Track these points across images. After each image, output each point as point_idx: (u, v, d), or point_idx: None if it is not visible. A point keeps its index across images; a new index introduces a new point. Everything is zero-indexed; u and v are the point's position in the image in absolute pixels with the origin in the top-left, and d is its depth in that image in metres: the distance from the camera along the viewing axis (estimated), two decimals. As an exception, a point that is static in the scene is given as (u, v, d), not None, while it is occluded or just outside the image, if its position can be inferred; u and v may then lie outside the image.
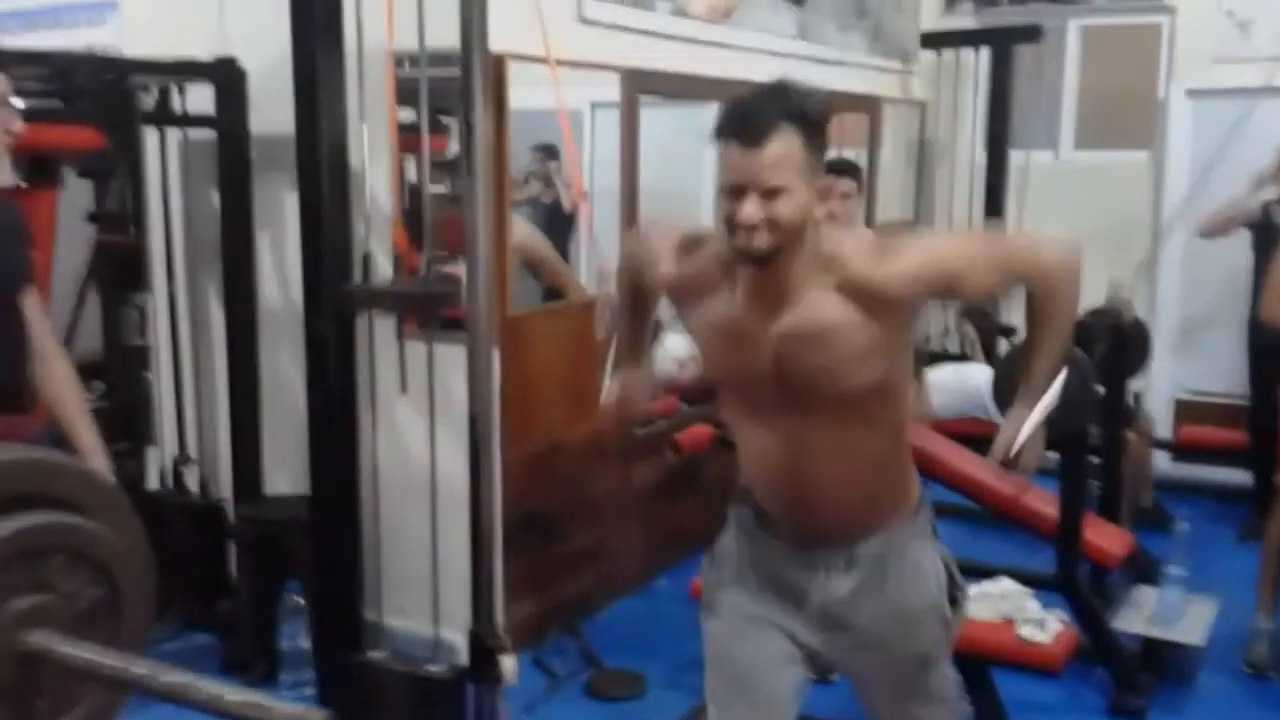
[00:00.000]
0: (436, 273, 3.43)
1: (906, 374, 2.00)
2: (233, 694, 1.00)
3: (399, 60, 3.49)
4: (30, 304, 2.51)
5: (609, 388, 2.32)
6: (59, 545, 1.06)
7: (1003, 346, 5.67)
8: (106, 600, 1.09)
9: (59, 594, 1.06)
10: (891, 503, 2.05)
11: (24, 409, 2.45)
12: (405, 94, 3.50)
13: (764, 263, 1.83)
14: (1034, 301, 2.00)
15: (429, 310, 3.41)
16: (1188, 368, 5.73)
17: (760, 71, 4.82)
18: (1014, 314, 5.91)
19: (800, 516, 2.03)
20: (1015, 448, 2.07)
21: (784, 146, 1.77)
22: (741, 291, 1.91)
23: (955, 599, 2.09)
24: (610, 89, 4.29)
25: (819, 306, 1.85)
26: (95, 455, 2.57)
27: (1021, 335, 5.23)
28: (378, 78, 3.50)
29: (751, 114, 1.79)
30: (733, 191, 1.80)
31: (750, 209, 1.78)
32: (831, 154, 4.81)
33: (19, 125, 2.35)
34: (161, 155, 3.98)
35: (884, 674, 2.13)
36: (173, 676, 0.99)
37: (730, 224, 1.81)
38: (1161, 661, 3.62)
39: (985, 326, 5.77)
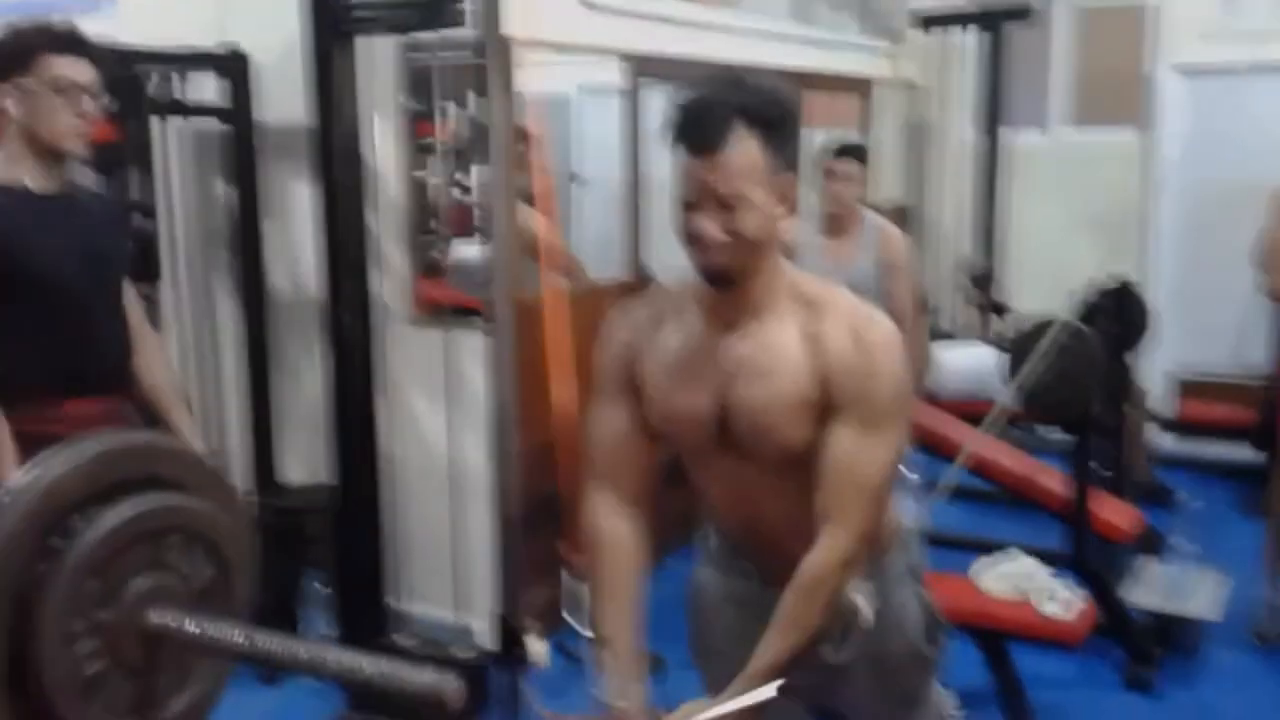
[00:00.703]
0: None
1: None
2: (370, 664, 1.01)
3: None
4: (129, 293, 2.60)
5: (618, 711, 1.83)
6: (175, 525, 1.08)
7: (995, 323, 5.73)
8: (218, 578, 1.11)
9: (176, 573, 1.07)
10: None
11: (125, 390, 2.54)
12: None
13: (726, 282, 1.68)
14: (792, 585, 1.72)
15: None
16: (1188, 346, 5.78)
17: (757, 53, 4.83)
18: (1015, 294, 5.96)
19: (760, 559, 1.90)
20: None
21: (742, 152, 1.60)
22: (696, 315, 1.76)
23: (934, 638, 1.97)
24: (599, 72, 4.28)
25: (776, 338, 1.70)
26: (191, 439, 2.65)
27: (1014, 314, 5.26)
28: (387, 65, 3.50)
29: (703, 116, 1.61)
30: (688, 205, 1.63)
31: (707, 225, 1.62)
32: (823, 136, 4.84)
33: (96, 116, 2.41)
34: (164, 146, 3.96)
35: (866, 712, 2.04)
36: (307, 649, 1.01)
37: (687, 239, 1.65)
38: (1172, 635, 3.68)
39: (986, 290, 5.78)
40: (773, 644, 1.71)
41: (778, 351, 1.69)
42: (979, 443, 3.70)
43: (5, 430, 2.24)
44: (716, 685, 2.01)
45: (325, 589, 3.59)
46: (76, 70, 2.33)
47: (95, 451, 1.04)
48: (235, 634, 1.02)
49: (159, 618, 1.03)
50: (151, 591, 1.05)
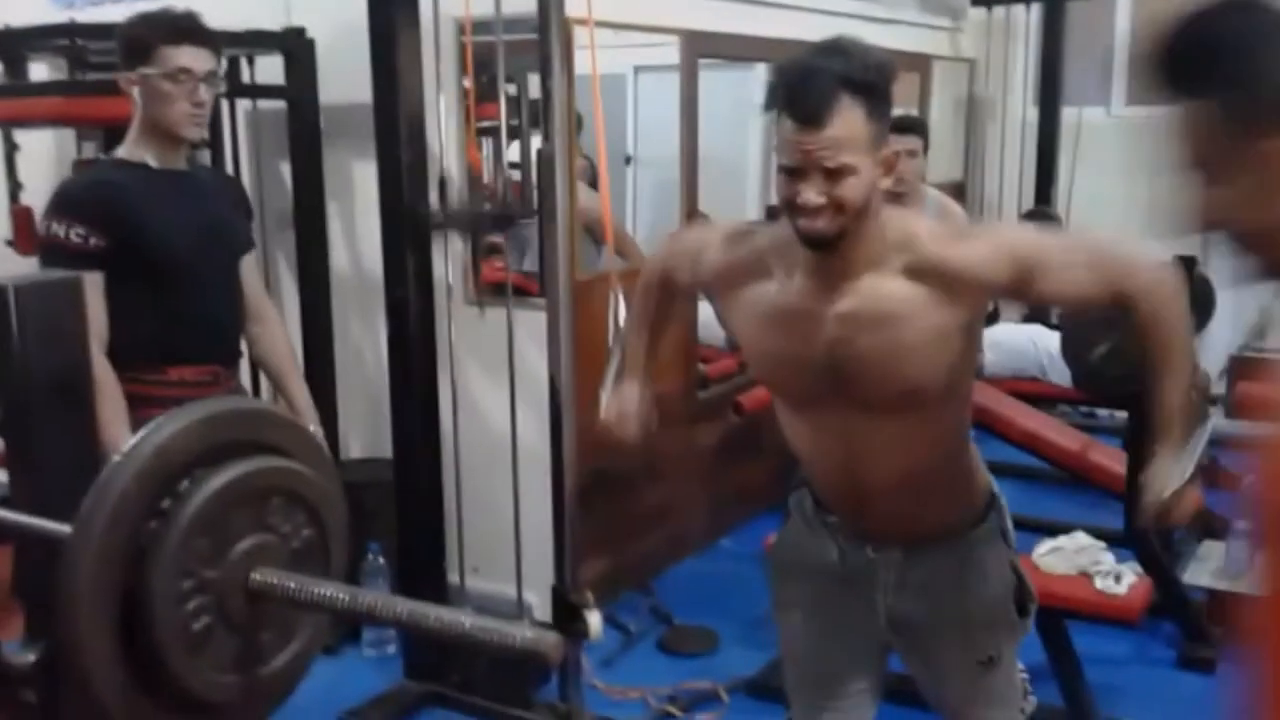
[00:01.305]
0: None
1: (970, 372, 1.88)
2: (471, 621, 1.06)
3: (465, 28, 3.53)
4: (249, 268, 2.72)
5: (608, 403, 2.14)
6: (278, 488, 1.13)
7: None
8: (317, 540, 1.16)
9: (279, 533, 1.13)
10: (955, 504, 1.97)
11: (235, 359, 2.68)
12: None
13: (827, 247, 1.70)
14: (1144, 333, 1.77)
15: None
16: (1243, 324, 5.70)
17: (816, 31, 4.82)
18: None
19: (858, 513, 1.95)
20: (1165, 502, 1.80)
21: (846, 123, 1.62)
22: (798, 275, 1.79)
23: (1023, 605, 2.01)
24: (654, 53, 4.28)
25: (884, 288, 1.73)
26: (307, 410, 2.77)
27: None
28: (450, 46, 3.54)
29: (808, 86, 1.62)
30: (792, 173, 1.66)
31: (812, 193, 1.64)
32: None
33: (211, 102, 2.49)
34: (232, 126, 4.03)
35: (947, 674, 2.08)
36: (406, 606, 1.05)
37: (790, 206, 1.68)
38: (1230, 614, 3.65)
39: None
40: (1167, 390, 1.79)
41: (894, 301, 1.73)
42: (1036, 422, 3.69)
43: (119, 395, 2.34)
44: (792, 638, 2.10)
45: (382, 560, 3.66)
46: (193, 59, 2.41)
47: (203, 416, 1.09)
48: (337, 592, 1.07)
49: (264, 576, 1.08)
50: (256, 550, 1.11)
